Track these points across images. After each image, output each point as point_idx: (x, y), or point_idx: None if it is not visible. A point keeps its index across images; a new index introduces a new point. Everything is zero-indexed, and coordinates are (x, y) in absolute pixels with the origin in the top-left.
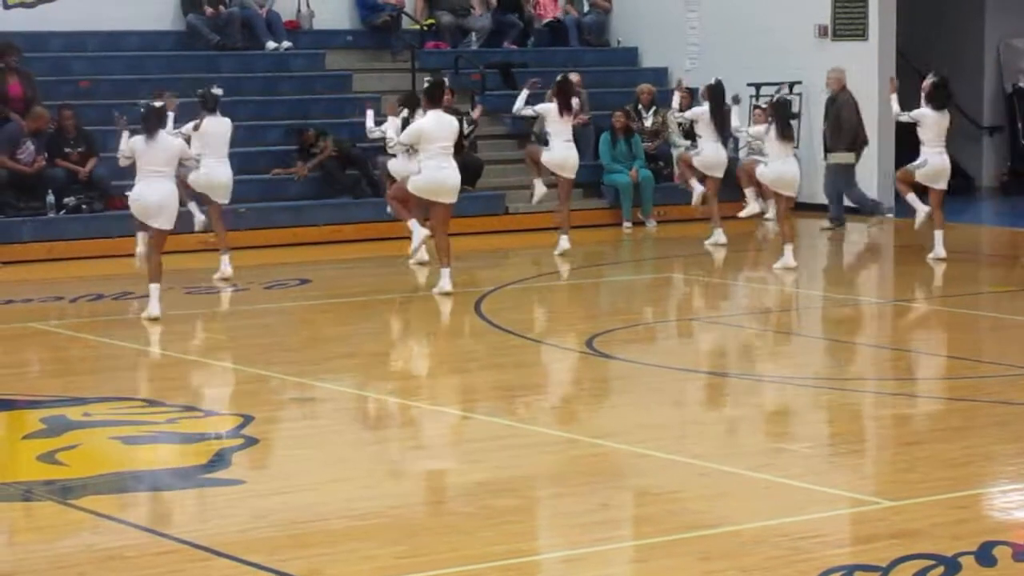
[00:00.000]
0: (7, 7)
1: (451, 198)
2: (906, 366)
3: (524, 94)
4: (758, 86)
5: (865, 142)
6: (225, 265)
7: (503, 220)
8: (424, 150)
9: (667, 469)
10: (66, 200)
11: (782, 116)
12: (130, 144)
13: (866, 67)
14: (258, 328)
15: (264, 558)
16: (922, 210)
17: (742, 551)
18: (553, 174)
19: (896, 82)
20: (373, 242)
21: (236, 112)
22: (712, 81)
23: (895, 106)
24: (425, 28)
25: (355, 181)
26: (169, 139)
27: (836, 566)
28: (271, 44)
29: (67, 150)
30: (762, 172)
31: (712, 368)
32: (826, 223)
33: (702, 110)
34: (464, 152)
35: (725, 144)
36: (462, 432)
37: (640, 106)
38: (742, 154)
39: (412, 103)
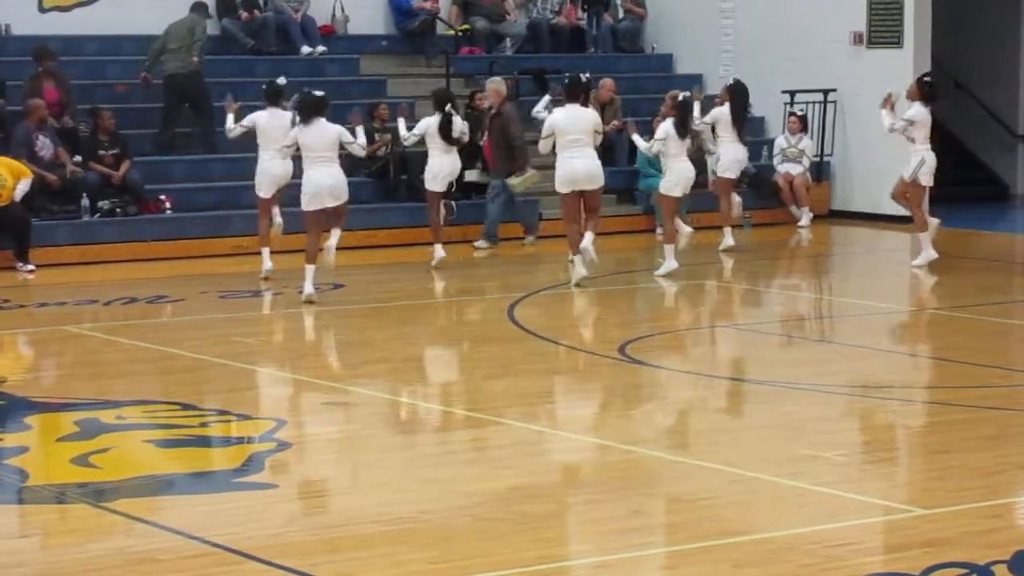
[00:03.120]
0: (43, 11)
1: (591, 185)
2: (939, 374)
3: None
4: (792, 93)
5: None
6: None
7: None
8: (557, 143)
9: (699, 476)
10: (100, 203)
11: (683, 115)
12: (251, 119)
13: (901, 75)
14: (292, 332)
15: (296, 562)
16: (934, 222)
17: (773, 559)
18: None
19: (893, 98)
20: (407, 247)
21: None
22: (731, 81)
23: (888, 120)
24: (460, 33)
25: (398, 185)
26: (328, 125)
27: (868, 574)
28: (306, 49)
29: (101, 153)
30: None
31: (744, 375)
32: (482, 243)
33: (723, 111)
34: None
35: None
36: (494, 438)
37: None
38: (776, 161)
39: (442, 101)
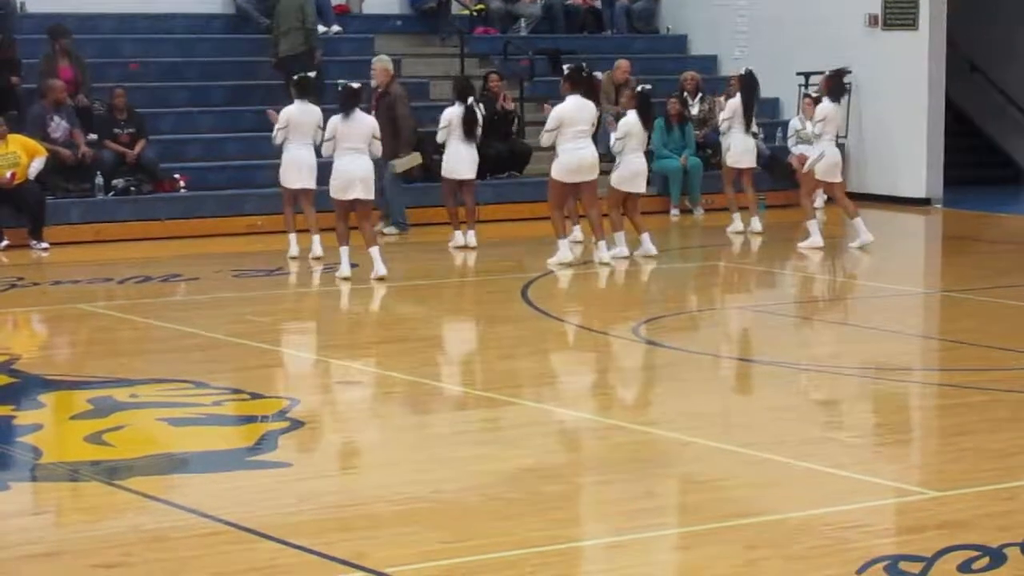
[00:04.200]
0: None
1: (592, 175)
2: (953, 356)
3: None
4: (807, 75)
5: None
6: (316, 245)
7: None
8: (562, 134)
9: (713, 457)
10: (115, 182)
11: (644, 107)
12: (285, 114)
13: (916, 57)
14: (306, 311)
15: (309, 541)
16: (865, 238)
17: (787, 540)
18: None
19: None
20: (422, 227)
21: (284, 96)
22: (743, 71)
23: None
24: (475, 13)
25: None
26: (364, 117)
27: (881, 556)
28: (321, 28)
29: (116, 131)
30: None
31: (758, 356)
32: (392, 228)
33: (735, 101)
34: (511, 138)
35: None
36: (508, 418)
37: (686, 93)
38: (790, 143)
39: (464, 92)
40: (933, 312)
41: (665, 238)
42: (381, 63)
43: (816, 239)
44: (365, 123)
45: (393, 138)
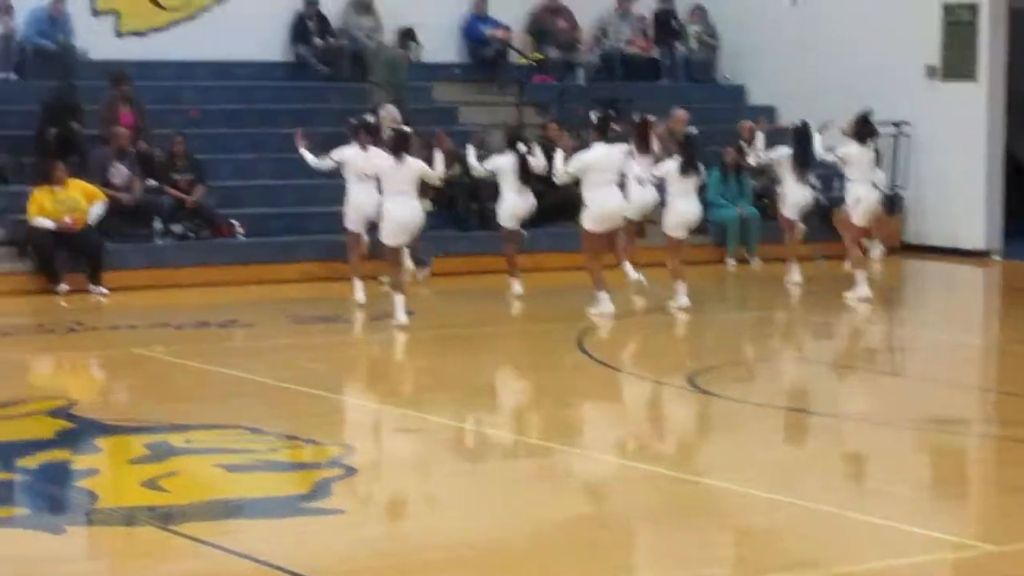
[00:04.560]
0: (119, 36)
1: (620, 222)
2: (1012, 409)
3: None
4: None
5: None
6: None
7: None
8: (591, 182)
9: (768, 508)
10: (173, 227)
11: (688, 150)
12: (339, 153)
13: (975, 108)
14: (360, 359)
15: None
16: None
17: None
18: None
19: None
20: (477, 275)
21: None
22: (798, 123)
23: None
24: (532, 62)
25: (468, 214)
26: (414, 160)
27: None
28: None
29: (175, 177)
30: (665, 211)
31: (814, 407)
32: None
33: (785, 152)
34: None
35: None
36: (561, 466)
37: (743, 142)
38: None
39: (514, 140)
40: (991, 364)
41: (721, 288)
42: (389, 114)
43: (863, 290)
44: (414, 166)
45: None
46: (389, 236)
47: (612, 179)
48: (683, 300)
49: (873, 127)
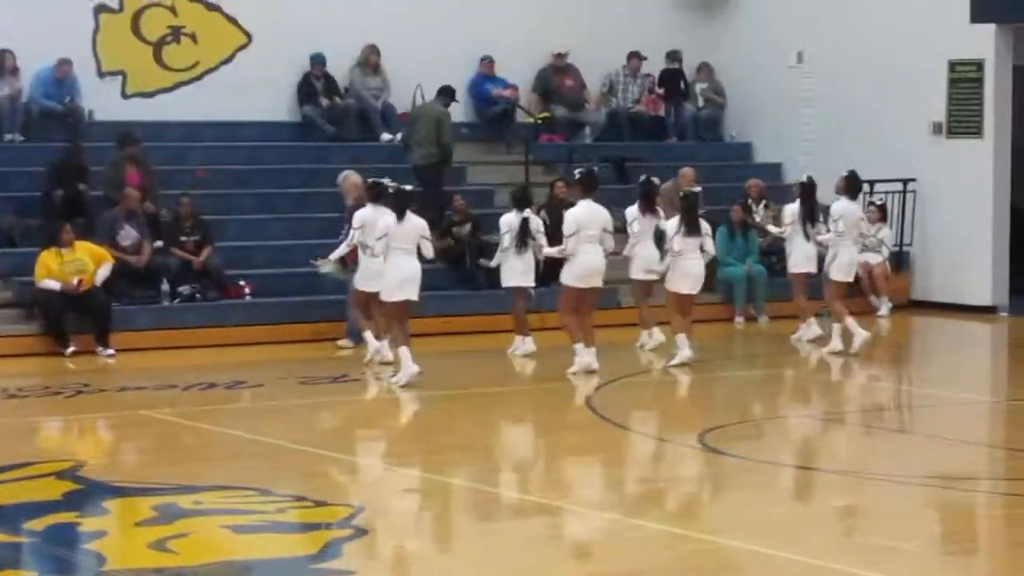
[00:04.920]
0: (126, 96)
1: (599, 282)
2: (1020, 466)
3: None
4: (872, 183)
5: None
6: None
7: (615, 314)
8: (576, 237)
9: (777, 566)
10: (180, 288)
11: (689, 211)
12: (362, 218)
13: (981, 164)
14: (370, 418)
15: None
16: (861, 335)
17: None
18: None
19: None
20: (484, 334)
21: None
22: (804, 179)
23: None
24: (539, 121)
25: (476, 272)
26: (415, 217)
27: None
28: (386, 136)
29: (183, 239)
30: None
31: (823, 466)
32: (346, 342)
33: (794, 207)
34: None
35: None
36: (573, 526)
37: (750, 200)
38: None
39: (521, 202)
40: (999, 421)
41: (729, 345)
42: (349, 180)
43: (835, 343)
44: (416, 224)
45: None
46: (391, 293)
47: (594, 236)
48: (685, 353)
49: (859, 183)
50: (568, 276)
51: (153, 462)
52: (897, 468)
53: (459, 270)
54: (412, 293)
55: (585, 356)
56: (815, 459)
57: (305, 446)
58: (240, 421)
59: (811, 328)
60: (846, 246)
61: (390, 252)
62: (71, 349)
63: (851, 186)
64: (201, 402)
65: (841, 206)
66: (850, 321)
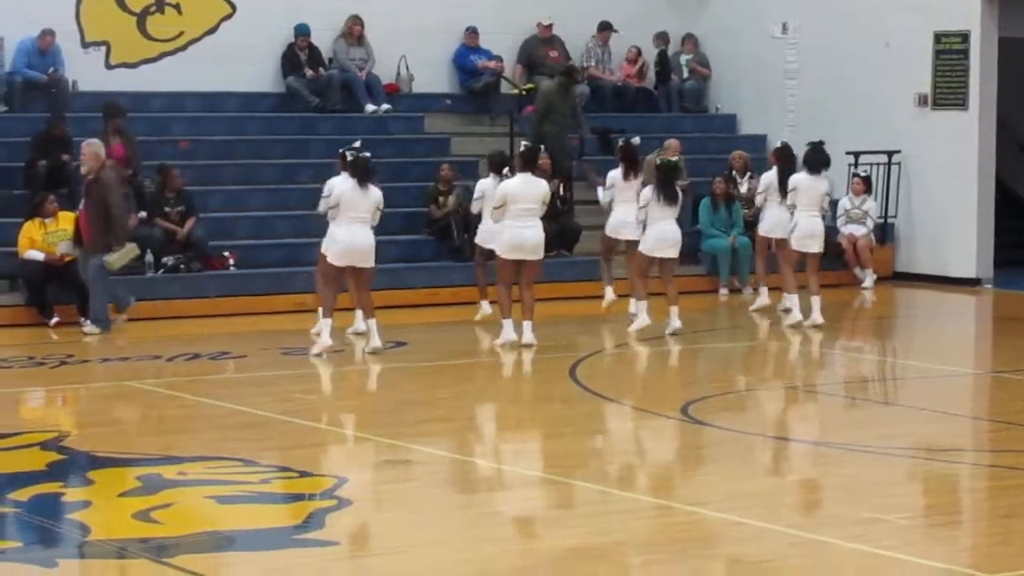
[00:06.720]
0: (109, 67)
1: (535, 255)
2: (1003, 438)
3: (600, 191)
4: (856, 154)
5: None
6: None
7: (599, 285)
8: (508, 211)
9: (760, 538)
10: (164, 260)
11: (665, 178)
12: (330, 186)
13: (966, 137)
14: (353, 390)
15: None
16: (795, 317)
17: None
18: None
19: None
20: (469, 305)
21: (333, 173)
22: (779, 144)
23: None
24: (523, 93)
25: (463, 244)
26: (373, 188)
27: None
28: (370, 107)
29: (167, 209)
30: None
31: (807, 437)
32: (92, 328)
33: (771, 175)
34: (560, 217)
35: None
36: (555, 497)
37: (735, 172)
38: (839, 222)
39: (499, 165)
40: (983, 393)
41: (713, 317)
42: (91, 148)
43: (795, 315)
44: (374, 195)
45: (105, 230)
46: (334, 256)
47: (530, 210)
48: (643, 320)
49: (824, 157)
50: (500, 247)
51: (137, 433)
52: (881, 440)
53: (445, 241)
54: (357, 262)
55: (510, 331)
56: (798, 431)
57: (289, 417)
58: (224, 392)
59: (762, 297)
60: (806, 217)
61: (343, 219)
62: (55, 320)
63: (809, 158)
64: (185, 373)
65: (797, 178)
66: (794, 298)
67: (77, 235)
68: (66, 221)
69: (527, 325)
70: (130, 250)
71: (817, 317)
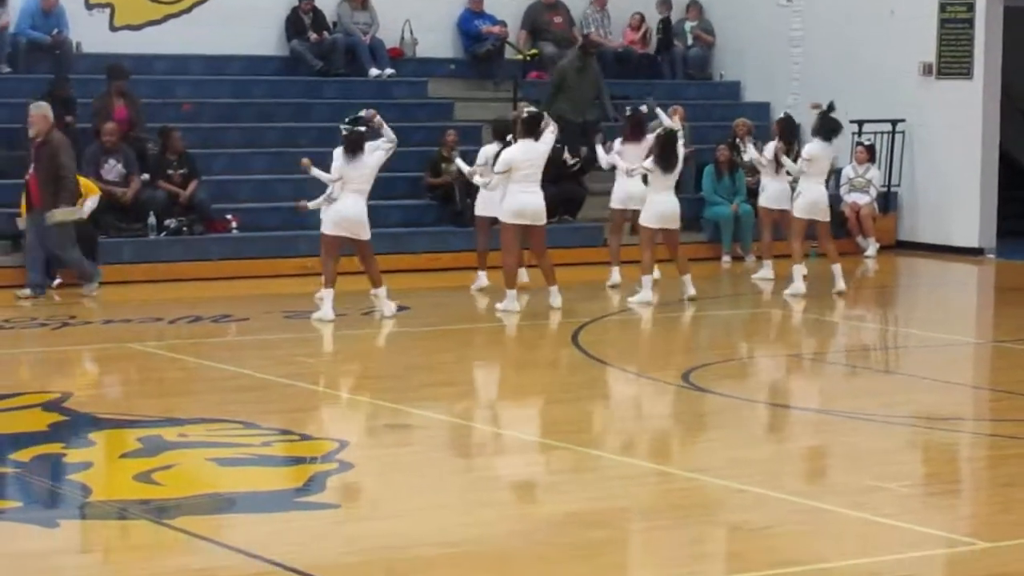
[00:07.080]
0: (114, 29)
1: (538, 221)
2: (1004, 407)
3: (600, 150)
4: (861, 123)
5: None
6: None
7: (602, 252)
8: (511, 177)
9: (761, 505)
10: (167, 222)
11: (665, 146)
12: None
13: (970, 106)
14: (356, 354)
15: None
16: (799, 287)
17: None
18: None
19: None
20: (472, 271)
21: (336, 138)
22: (782, 114)
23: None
24: (527, 58)
25: (465, 209)
26: (367, 157)
27: None
28: (374, 71)
29: (169, 172)
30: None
31: (809, 405)
32: (26, 291)
33: (775, 145)
34: (561, 182)
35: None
36: (556, 463)
37: (738, 140)
38: (843, 190)
39: (503, 132)
40: (984, 362)
41: (716, 285)
42: (39, 110)
43: (798, 285)
44: (368, 163)
45: (55, 192)
46: (326, 225)
47: (531, 175)
48: (647, 295)
49: (837, 124)
50: (504, 213)
51: (139, 394)
52: (882, 408)
53: (448, 206)
54: (350, 232)
55: (513, 301)
56: (800, 398)
57: (291, 380)
58: (226, 354)
59: (765, 270)
60: (811, 185)
61: (336, 190)
62: (57, 281)
63: (822, 125)
64: (187, 335)
65: (813, 149)
66: (797, 267)
67: (28, 200)
68: None
69: (553, 289)
70: (75, 210)
71: (840, 284)
